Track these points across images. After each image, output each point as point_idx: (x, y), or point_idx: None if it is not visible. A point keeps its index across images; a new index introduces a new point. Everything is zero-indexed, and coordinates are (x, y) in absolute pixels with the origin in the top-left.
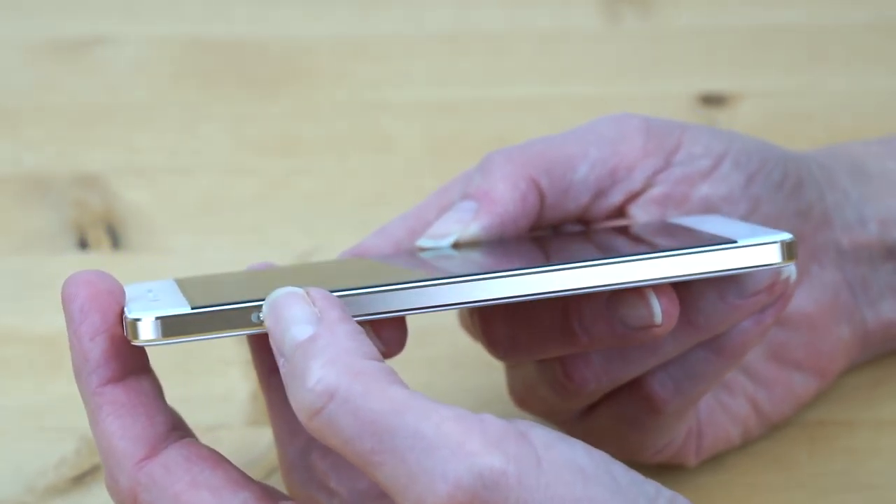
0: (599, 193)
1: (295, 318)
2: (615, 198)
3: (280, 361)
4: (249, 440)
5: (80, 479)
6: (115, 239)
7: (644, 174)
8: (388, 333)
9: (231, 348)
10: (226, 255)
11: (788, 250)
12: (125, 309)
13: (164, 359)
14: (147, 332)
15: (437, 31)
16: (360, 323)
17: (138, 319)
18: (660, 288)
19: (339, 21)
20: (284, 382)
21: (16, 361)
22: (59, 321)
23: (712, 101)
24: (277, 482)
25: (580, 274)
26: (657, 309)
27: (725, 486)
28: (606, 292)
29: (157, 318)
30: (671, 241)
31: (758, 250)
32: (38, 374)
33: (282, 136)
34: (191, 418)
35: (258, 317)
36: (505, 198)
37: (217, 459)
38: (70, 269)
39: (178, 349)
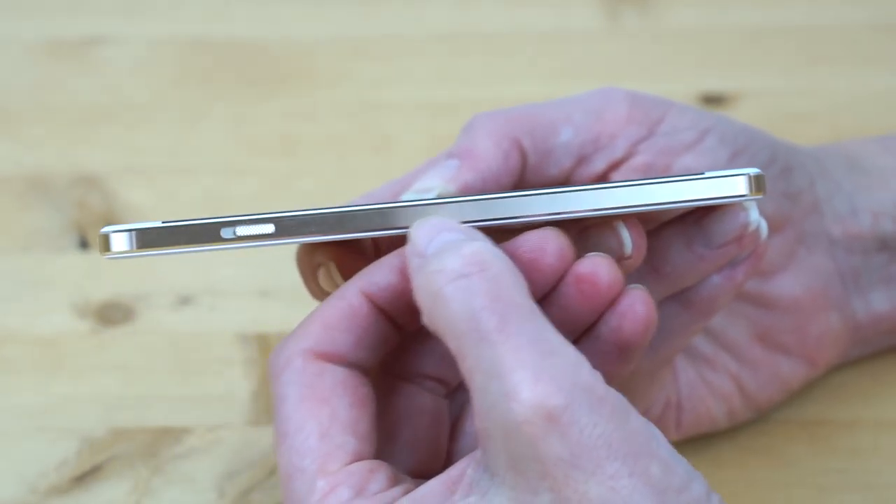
0: (582, 159)
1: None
2: (598, 165)
3: (415, 261)
4: (250, 440)
5: (81, 480)
6: None
7: (627, 142)
8: None
9: (231, 348)
10: (226, 255)
11: (756, 183)
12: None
13: (165, 359)
14: (119, 243)
15: (437, 31)
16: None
17: (112, 232)
18: (627, 220)
19: (339, 21)
20: (415, 267)
21: (16, 361)
22: (59, 321)
23: (712, 101)
24: (279, 482)
25: (551, 199)
26: (627, 239)
27: (725, 484)
28: (575, 229)
29: (129, 231)
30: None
31: (724, 181)
32: (39, 374)
33: (282, 136)
34: (191, 418)
35: (232, 232)
36: (487, 155)
37: None
38: (71, 269)
39: (177, 347)
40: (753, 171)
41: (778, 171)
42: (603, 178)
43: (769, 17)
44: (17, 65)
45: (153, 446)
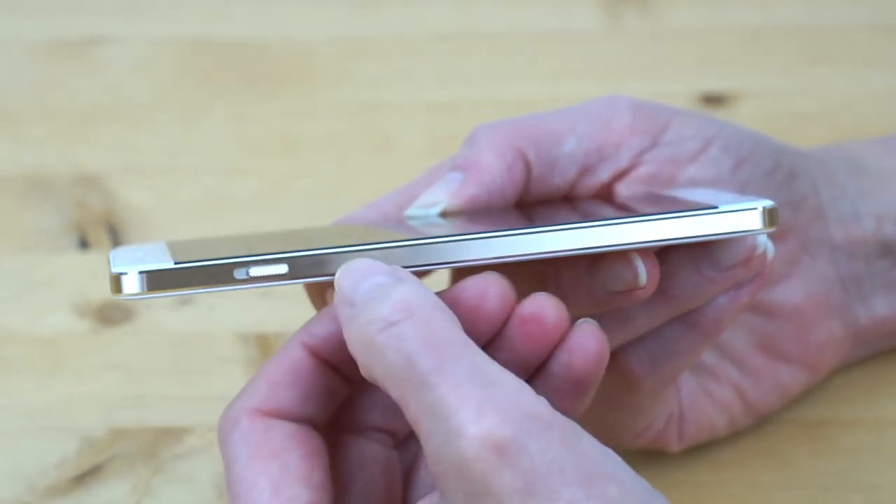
0: (586, 169)
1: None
2: (602, 175)
3: (345, 311)
4: None
5: (81, 479)
6: (116, 238)
7: (631, 152)
8: None
9: (231, 348)
10: None
11: (769, 217)
12: (110, 266)
13: (165, 359)
14: (131, 285)
15: (437, 31)
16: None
17: (123, 273)
18: (642, 251)
19: (339, 21)
20: (346, 318)
21: (16, 361)
22: (59, 321)
23: (712, 101)
24: None
25: (564, 236)
26: (643, 271)
27: (725, 485)
28: (587, 259)
29: (141, 272)
30: (653, 208)
31: (738, 216)
32: (38, 374)
33: (282, 136)
34: (191, 418)
35: (245, 273)
36: (492, 168)
37: None
38: (71, 269)
39: (177, 347)
40: (767, 203)
41: (782, 178)
42: (608, 188)
43: (769, 17)
44: (17, 65)
45: (153, 446)
